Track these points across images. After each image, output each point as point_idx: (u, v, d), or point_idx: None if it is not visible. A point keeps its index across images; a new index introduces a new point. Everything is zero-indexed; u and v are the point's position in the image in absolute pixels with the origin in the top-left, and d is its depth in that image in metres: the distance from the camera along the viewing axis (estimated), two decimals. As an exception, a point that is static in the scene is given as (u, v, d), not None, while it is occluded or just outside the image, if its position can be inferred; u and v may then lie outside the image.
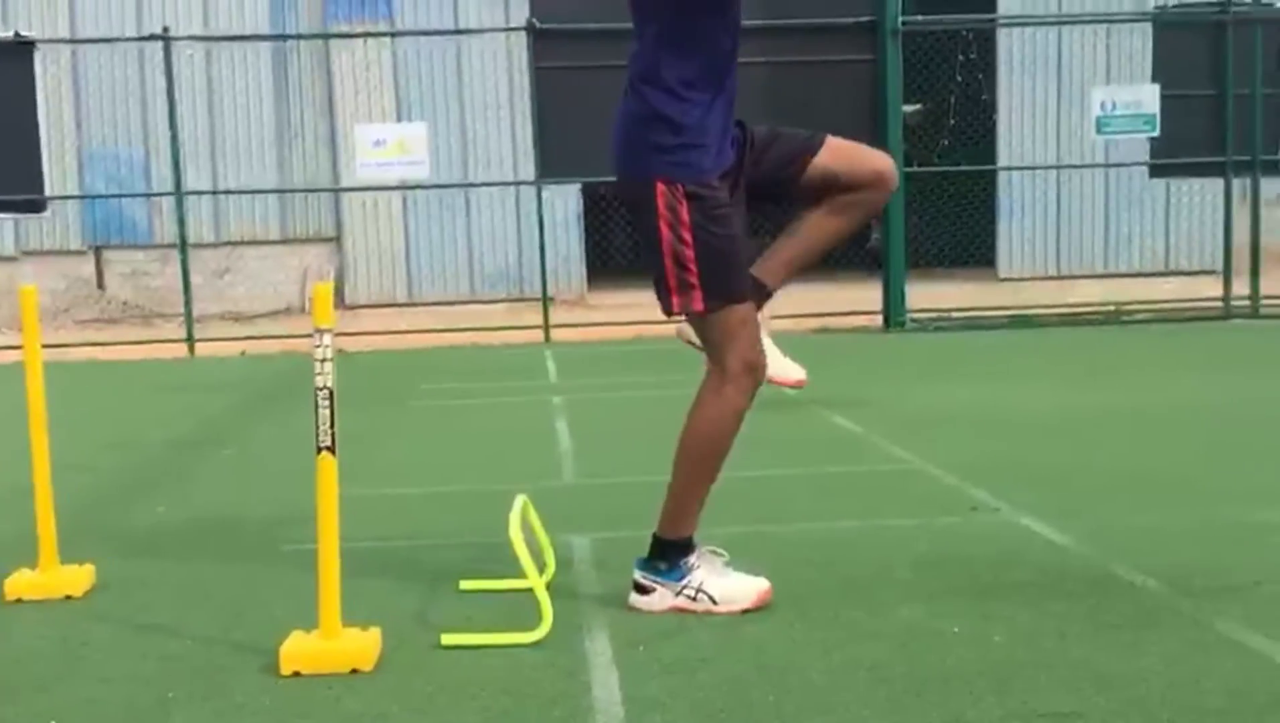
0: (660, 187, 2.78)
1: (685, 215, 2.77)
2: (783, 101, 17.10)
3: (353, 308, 16.01)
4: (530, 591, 2.68)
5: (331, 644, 2.51)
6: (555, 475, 4.60)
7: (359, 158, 10.83)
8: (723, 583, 2.83)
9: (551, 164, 13.65)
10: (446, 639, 2.64)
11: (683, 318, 2.94)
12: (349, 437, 5.53)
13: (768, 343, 2.94)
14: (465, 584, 3.06)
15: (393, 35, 15.01)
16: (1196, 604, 2.72)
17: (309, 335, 2.58)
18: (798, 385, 3.04)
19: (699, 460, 2.87)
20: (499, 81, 15.77)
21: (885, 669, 2.39)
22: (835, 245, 3.00)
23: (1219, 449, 4.67)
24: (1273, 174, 16.64)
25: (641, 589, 2.87)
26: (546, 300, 11.28)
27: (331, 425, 2.49)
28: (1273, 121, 12.79)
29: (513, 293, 16.15)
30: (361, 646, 2.51)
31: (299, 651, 2.50)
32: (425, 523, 3.87)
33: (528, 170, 13.64)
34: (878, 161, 2.91)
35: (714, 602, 2.80)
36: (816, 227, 2.93)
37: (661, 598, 2.84)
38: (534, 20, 11.44)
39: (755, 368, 2.85)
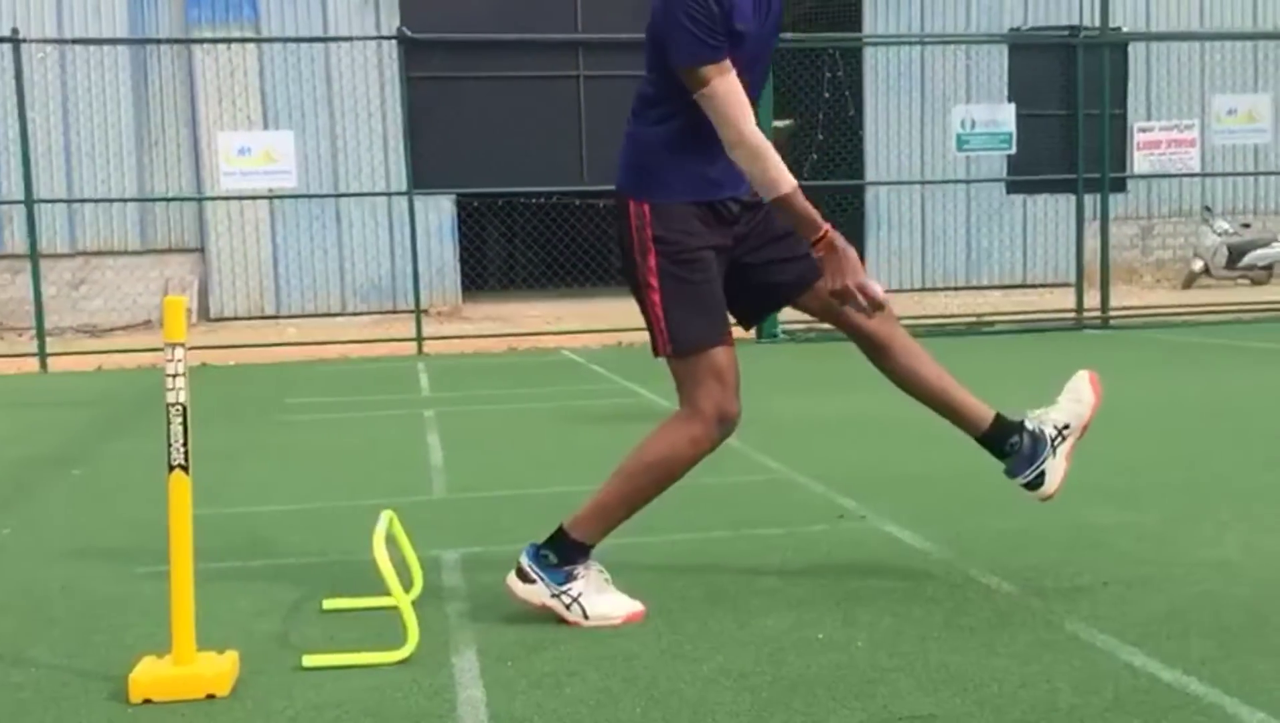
0: (630, 204, 2.78)
1: (652, 261, 2.75)
2: (656, 115, 17.21)
3: (217, 320, 15.56)
4: (396, 608, 2.63)
5: (185, 670, 2.42)
6: (425, 490, 4.54)
7: (223, 166, 10.53)
8: (599, 599, 2.81)
9: (424, 175, 13.48)
10: (308, 661, 2.57)
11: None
12: (211, 453, 5.38)
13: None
14: (329, 603, 2.99)
15: (258, 41, 14.66)
16: (1048, 605, 2.82)
17: (162, 349, 2.49)
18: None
19: (639, 484, 2.82)
20: (370, 90, 15.54)
21: (752, 677, 2.42)
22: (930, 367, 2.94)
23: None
24: (1120, 191, 17.43)
25: (523, 576, 2.83)
26: (419, 312, 11.14)
27: (184, 442, 2.41)
28: (1119, 141, 13.43)
29: (385, 305, 15.91)
30: (217, 670, 2.43)
31: (150, 677, 2.41)
32: (288, 541, 3.77)
33: (400, 181, 13.47)
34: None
35: (585, 616, 2.78)
36: (928, 381, 2.91)
37: (538, 593, 2.80)
38: (405, 29, 11.31)
39: (727, 417, 2.80)
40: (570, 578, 2.80)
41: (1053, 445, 2.89)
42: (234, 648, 2.56)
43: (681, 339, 2.77)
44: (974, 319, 11.96)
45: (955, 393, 2.92)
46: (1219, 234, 16.69)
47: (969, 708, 2.21)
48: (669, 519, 3.88)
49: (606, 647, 2.63)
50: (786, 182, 2.69)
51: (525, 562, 2.83)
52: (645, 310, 2.81)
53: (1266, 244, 16.77)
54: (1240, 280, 16.66)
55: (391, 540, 2.91)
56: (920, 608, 2.83)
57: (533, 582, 2.81)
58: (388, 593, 2.63)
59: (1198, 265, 16.73)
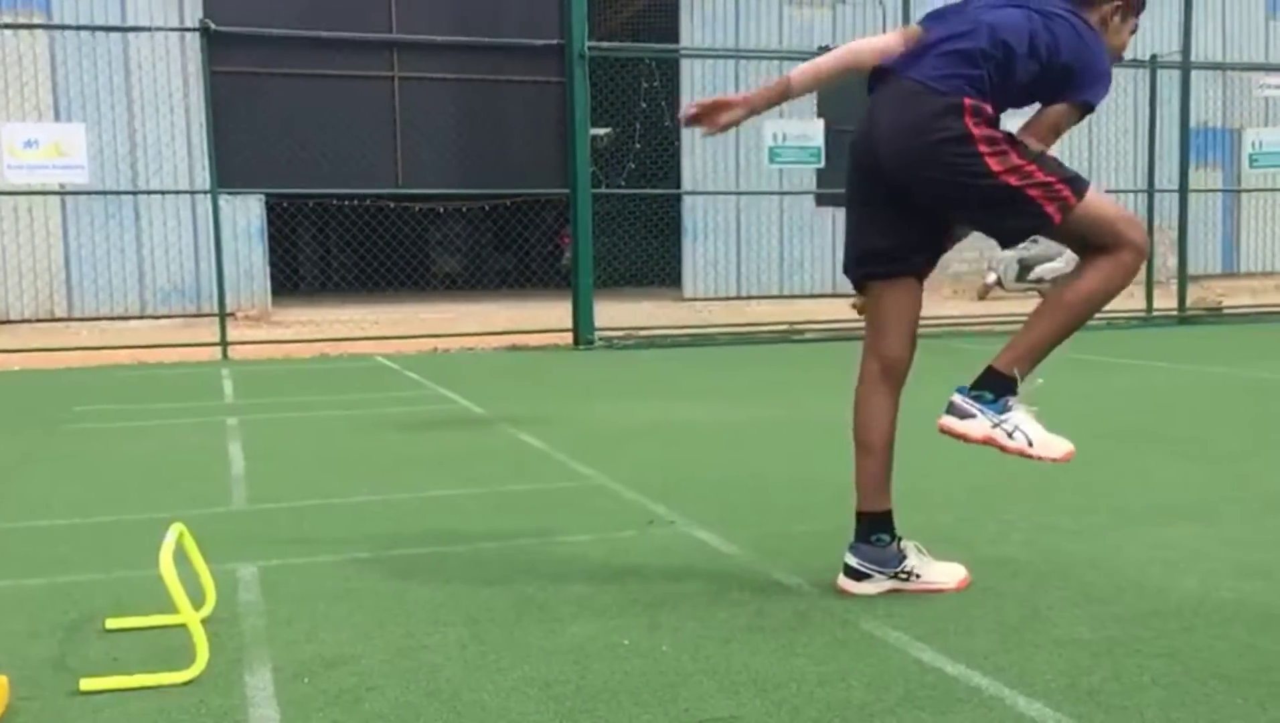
0: (967, 103, 2.78)
1: (1005, 147, 2.75)
2: (475, 118, 17.12)
3: (2, 323, 14.61)
4: (185, 626, 2.50)
5: (-55, 699, 2.24)
6: (224, 501, 4.35)
7: (6, 159, 9.88)
8: (1037, 430, 2.82)
9: (230, 174, 12.98)
10: (86, 684, 2.42)
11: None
12: (-17, 465, 5.01)
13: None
14: (112, 623, 2.83)
15: (49, 28, 13.83)
16: (845, 605, 2.90)
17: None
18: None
19: (1073, 315, 2.85)
20: (172, 84, 14.88)
21: (558, 686, 2.40)
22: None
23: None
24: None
25: (960, 412, 2.90)
26: (224, 316, 10.71)
27: (-55, 454, 2.23)
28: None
29: (189, 308, 15.25)
30: (-18, 698, 2.26)
31: (-95, 709, 2.22)
32: (69, 558, 3.54)
33: (204, 179, 12.94)
34: None
35: (1029, 443, 2.80)
36: (883, 432, 3.26)
37: (978, 426, 2.86)
38: (208, 21, 10.86)
39: (1145, 241, 2.83)
40: (1007, 408, 2.83)
41: (897, 573, 2.99)
42: (4, 673, 2.39)
43: (1074, 181, 2.77)
44: (786, 327, 12.29)
45: (885, 460, 3.15)
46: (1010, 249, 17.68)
47: (768, 708, 2.25)
48: (478, 528, 3.83)
49: (409, 659, 2.57)
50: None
51: (960, 399, 2.90)
52: (1020, 189, 2.76)
53: (1052, 259, 17.85)
54: (1029, 293, 17.68)
55: (183, 555, 2.77)
56: (725, 611, 2.87)
57: (972, 416, 2.87)
58: (176, 611, 2.50)
59: (991, 278, 17.67)
